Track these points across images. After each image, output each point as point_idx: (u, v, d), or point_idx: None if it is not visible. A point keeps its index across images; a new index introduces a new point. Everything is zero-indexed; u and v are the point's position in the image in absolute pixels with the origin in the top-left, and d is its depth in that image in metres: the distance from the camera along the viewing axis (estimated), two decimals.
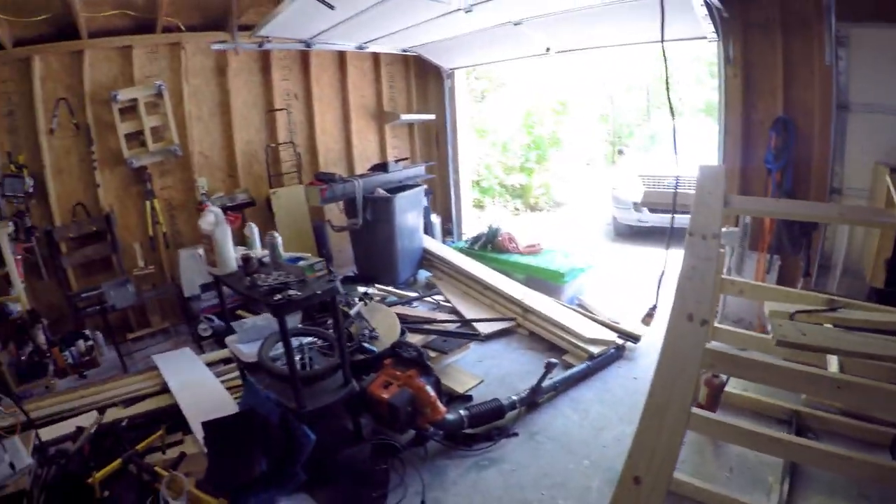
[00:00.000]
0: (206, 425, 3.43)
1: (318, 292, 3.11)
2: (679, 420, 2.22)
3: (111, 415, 4.33)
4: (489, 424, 3.81)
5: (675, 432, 2.20)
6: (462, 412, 3.70)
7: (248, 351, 3.66)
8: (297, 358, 3.54)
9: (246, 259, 3.42)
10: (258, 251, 3.74)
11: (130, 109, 5.67)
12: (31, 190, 5.35)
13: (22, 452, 3.28)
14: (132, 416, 4.23)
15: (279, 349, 3.58)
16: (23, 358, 5.04)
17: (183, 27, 5.77)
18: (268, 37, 5.71)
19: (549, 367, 4.19)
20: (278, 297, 2.99)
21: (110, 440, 3.95)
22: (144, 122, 5.69)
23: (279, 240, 3.50)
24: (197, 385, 4.45)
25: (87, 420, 4.31)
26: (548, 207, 11.78)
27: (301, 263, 3.32)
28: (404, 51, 7.32)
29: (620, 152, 10.31)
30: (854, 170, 4.42)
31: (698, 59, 15.09)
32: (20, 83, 5.33)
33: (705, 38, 4.94)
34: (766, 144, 4.87)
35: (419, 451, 3.62)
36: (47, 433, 4.05)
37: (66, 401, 4.63)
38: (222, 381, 4.51)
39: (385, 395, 3.51)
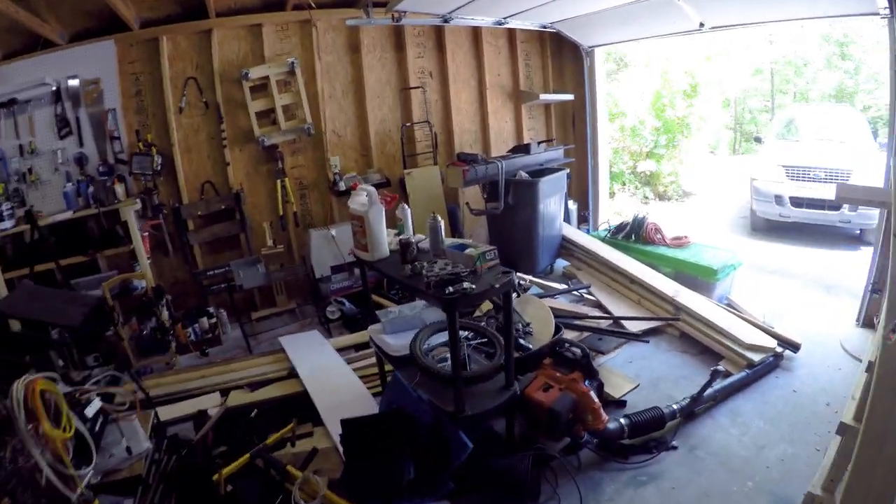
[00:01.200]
0: (346, 424, 3.14)
1: (496, 286, 2.71)
2: None
3: (235, 398, 4.17)
4: (647, 435, 3.42)
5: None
6: (622, 421, 3.34)
7: (396, 343, 3.34)
8: None
9: (406, 244, 3.05)
10: (412, 235, 3.36)
11: (261, 87, 5.52)
12: (159, 168, 5.32)
13: (140, 435, 3.08)
14: (259, 403, 4.05)
15: (432, 343, 3.26)
16: (144, 333, 4.99)
17: (314, 4, 5.51)
18: (404, 11, 5.38)
19: (715, 376, 3.75)
20: (450, 290, 2.60)
21: (237, 428, 3.80)
22: (276, 100, 5.52)
23: (442, 223, 3.12)
24: (328, 372, 4.22)
25: (210, 401, 4.18)
26: (676, 197, 11.05)
27: (469, 251, 2.90)
28: (543, 27, 6.84)
29: (758, 140, 9.46)
30: None
31: (828, 40, 13.82)
32: (148, 64, 5.30)
33: (877, 13, 4.33)
34: None
35: (572, 459, 3.27)
36: (167, 412, 3.94)
37: (188, 380, 4.52)
38: (355, 370, 4.26)
39: (546, 400, 3.16)
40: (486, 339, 3.37)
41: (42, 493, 2.48)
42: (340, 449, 3.30)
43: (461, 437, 2.94)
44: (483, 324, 3.74)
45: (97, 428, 2.81)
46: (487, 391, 3.04)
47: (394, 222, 3.54)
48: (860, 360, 4.09)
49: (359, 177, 5.83)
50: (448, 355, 3.16)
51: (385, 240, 3.30)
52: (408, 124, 6.27)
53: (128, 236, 5.12)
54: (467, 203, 6.33)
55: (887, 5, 4.13)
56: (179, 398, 4.27)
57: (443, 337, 3.32)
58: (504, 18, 6.19)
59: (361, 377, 4.15)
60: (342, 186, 5.73)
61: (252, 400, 4.09)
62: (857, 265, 6.03)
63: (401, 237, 3.21)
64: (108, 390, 3.00)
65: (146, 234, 5.31)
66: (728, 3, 5.20)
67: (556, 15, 6.19)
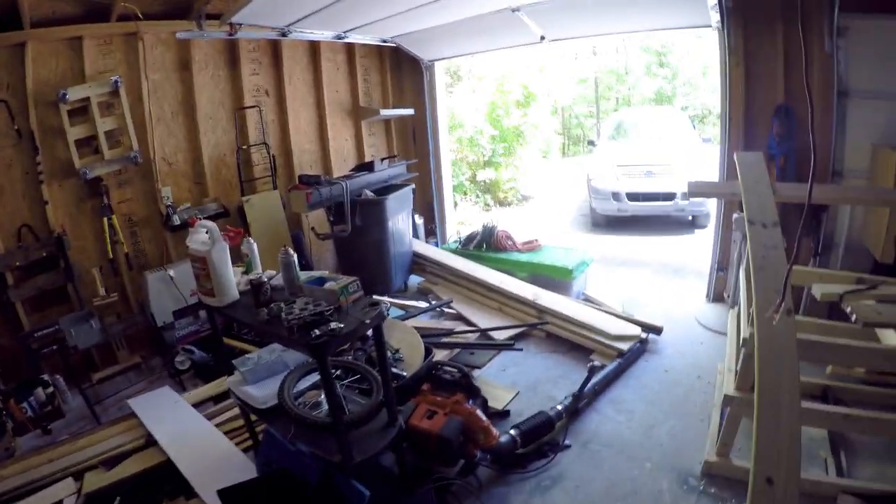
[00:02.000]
0: (224, 494, 2.81)
1: (366, 321, 2.47)
2: (793, 414, 2.12)
3: (91, 482, 3.58)
4: (539, 440, 3.44)
5: (793, 427, 2.09)
6: (512, 432, 3.33)
7: (260, 394, 2.99)
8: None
9: (258, 285, 2.72)
10: (263, 273, 3.02)
11: (82, 111, 4.85)
12: None
13: None
14: (119, 483, 3.50)
15: (300, 388, 2.96)
16: None
17: (141, 15, 4.95)
18: (240, 24, 5.02)
19: (593, 371, 3.95)
20: (317, 333, 2.34)
21: None
22: (98, 126, 4.87)
23: (295, 258, 2.82)
24: (189, 434, 3.77)
25: (64, 490, 3.55)
26: (516, 201, 11.56)
27: (330, 285, 2.65)
28: (383, 41, 6.78)
29: (591, 143, 10.13)
30: (854, 152, 4.48)
31: (648, 51, 15.23)
32: None
33: (710, 26, 5.02)
34: (767, 132, 4.93)
35: (472, 480, 3.20)
36: None
37: (34, 465, 3.81)
38: (218, 426, 3.84)
39: (433, 428, 3.06)
40: (358, 376, 3.12)
41: None
42: None
43: (356, 486, 2.70)
44: (350, 358, 3.54)
45: None
46: (372, 431, 2.81)
47: (239, 257, 3.22)
48: (718, 332, 4.62)
49: (193, 208, 5.35)
50: (322, 399, 2.90)
51: (233, 281, 2.94)
52: (244, 147, 5.85)
53: None
54: (313, 228, 6.08)
55: (719, 19, 4.76)
56: (31, 491, 3.57)
57: (312, 379, 3.05)
58: (344, 32, 6.04)
59: (226, 433, 3.76)
60: (177, 220, 5.19)
61: (111, 480, 3.54)
62: (695, 247, 6.60)
63: (250, 277, 2.88)
64: None
65: None
66: (570, 17, 5.43)
67: (396, 29, 6.15)
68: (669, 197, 7.74)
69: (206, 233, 2.89)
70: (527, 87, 11.60)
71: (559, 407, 3.58)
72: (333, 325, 2.38)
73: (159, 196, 5.31)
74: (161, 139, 5.37)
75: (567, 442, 3.46)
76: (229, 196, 5.76)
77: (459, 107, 11.39)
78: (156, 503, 3.29)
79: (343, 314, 2.53)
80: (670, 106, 13.65)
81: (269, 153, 5.97)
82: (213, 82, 5.69)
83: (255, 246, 3.12)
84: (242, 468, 3.37)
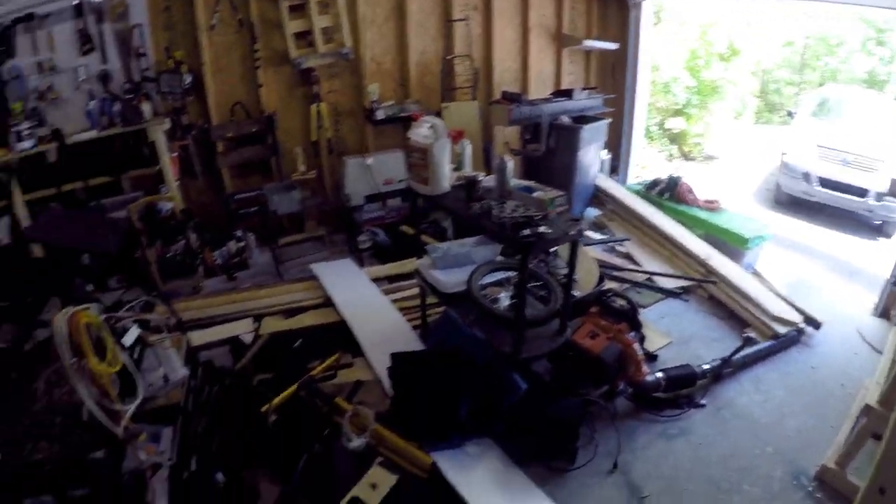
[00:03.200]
0: (397, 358, 3.22)
1: (570, 233, 2.74)
2: None
3: (269, 325, 4.20)
4: (678, 391, 3.57)
5: None
6: (659, 375, 3.47)
7: (447, 280, 3.37)
8: (510, 298, 3.24)
9: (472, 182, 3.06)
10: (470, 173, 3.36)
11: (300, 7, 5.34)
12: (188, 87, 5.21)
13: (175, 363, 3.14)
14: (296, 331, 4.09)
15: (484, 282, 3.31)
16: (170, 256, 4.98)
17: None
18: None
19: (746, 343, 3.92)
20: (527, 232, 2.64)
21: (279, 358, 3.86)
22: (315, 22, 5.35)
23: (510, 164, 3.12)
24: (365, 302, 4.26)
25: (242, 328, 4.22)
26: (700, 158, 11.01)
27: (538, 195, 2.93)
28: None
29: (790, 114, 9.43)
30: None
31: (867, 23, 13.51)
32: None
33: None
34: None
35: (609, 406, 3.40)
36: (198, 338, 3.98)
37: (219, 304, 4.52)
38: (392, 302, 4.30)
39: (594, 348, 3.26)
40: (539, 283, 3.42)
41: (83, 426, 2.55)
42: (386, 382, 3.39)
43: (515, 379, 3.02)
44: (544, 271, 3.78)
45: (136, 356, 2.86)
46: (542, 335, 3.11)
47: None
48: (875, 349, 4.32)
49: (396, 106, 5.78)
50: (499, 296, 3.24)
51: (448, 174, 3.29)
52: (448, 57, 6.14)
53: (154, 157, 5.07)
54: (507, 143, 6.29)
55: None
56: (210, 323, 4.28)
57: (496, 276, 3.38)
58: None
59: (399, 309, 4.19)
60: (380, 115, 5.67)
61: (289, 327, 4.12)
62: (877, 255, 6.15)
63: (466, 174, 3.23)
64: (144, 317, 3.02)
65: (175, 154, 5.23)
66: None
67: None
68: (862, 193, 7.13)
69: (430, 127, 3.22)
70: (732, 40, 10.93)
71: (705, 366, 3.66)
72: (542, 228, 2.62)
73: (365, 91, 5.78)
74: (372, 40, 5.79)
75: (702, 401, 3.55)
76: (429, 100, 6.11)
77: (657, 49, 10.91)
78: (328, 353, 3.79)
79: (549, 222, 2.76)
80: (884, 93, 12.19)
81: (472, 66, 6.21)
82: None
83: (469, 148, 3.46)
84: (408, 340, 3.80)
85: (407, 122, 5.59)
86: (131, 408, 2.57)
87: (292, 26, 5.32)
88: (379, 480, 2.81)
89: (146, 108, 5.00)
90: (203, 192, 5.68)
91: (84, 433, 2.54)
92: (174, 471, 2.81)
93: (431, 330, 3.87)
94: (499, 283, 3.37)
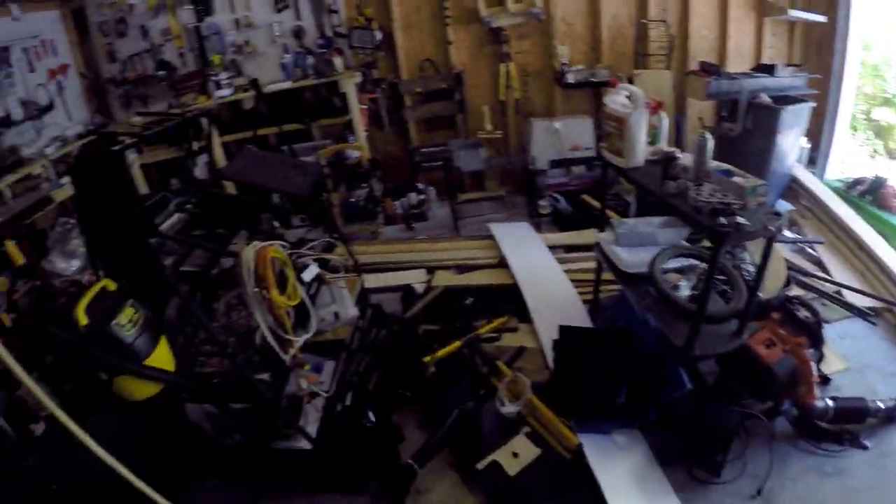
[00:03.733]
0: (565, 332, 3.18)
1: (769, 227, 2.54)
2: None
3: (442, 278, 4.36)
4: (844, 425, 3.16)
5: None
6: (829, 402, 3.08)
7: (628, 258, 3.27)
8: (691, 288, 3.11)
9: (670, 158, 2.91)
10: (667, 148, 3.20)
11: None
12: (378, 42, 5.48)
13: (347, 301, 3.29)
14: (468, 288, 4.20)
15: (667, 266, 3.21)
16: (352, 201, 5.40)
17: None
18: None
19: None
20: (723, 221, 2.50)
21: (449, 311, 4.00)
22: None
23: (711, 143, 2.95)
24: (539, 269, 4.27)
25: (415, 277, 4.43)
26: None
27: (738, 180, 2.74)
28: None
29: None
30: None
31: None
32: None
33: None
34: None
35: (769, 425, 3.12)
36: (371, 282, 4.20)
37: (395, 252, 4.78)
38: (566, 272, 4.25)
39: (768, 358, 2.97)
40: (723, 278, 3.20)
41: (254, 349, 2.81)
42: (548, 354, 3.40)
43: (682, 375, 2.91)
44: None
45: (312, 292, 3.06)
46: (717, 333, 2.91)
47: None
48: None
49: (586, 70, 5.61)
50: (679, 283, 3.12)
51: (643, 146, 3.15)
52: (642, 21, 5.80)
53: (344, 108, 5.48)
54: (700, 118, 5.87)
55: None
56: (384, 269, 4.56)
57: (679, 263, 3.26)
58: None
59: (572, 281, 4.15)
60: (570, 79, 5.54)
61: (461, 283, 4.26)
62: None
63: (663, 149, 3.11)
64: (324, 256, 3.28)
65: (364, 107, 5.58)
66: None
67: None
68: None
69: (628, 96, 3.09)
70: None
71: (881, 404, 3.18)
72: (740, 219, 2.43)
73: (555, 53, 5.67)
74: (564, 1, 5.63)
75: (867, 443, 3.11)
76: (621, 66, 5.84)
77: (870, 25, 9.50)
78: (496, 314, 3.90)
79: (748, 213, 2.54)
80: None
81: (667, 32, 5.84)
82: None
83: (666, 121, 3.32)
84: (577, 314, 3.76)
85: (596, 87, 5.50)
86: (301, 339, 2.79)
87: None
88: (522, 450, 2.88)
89: (338, 62, 5.42)
90: (389, 144, 6.02)
91: (254, 355, 2.83)
92: (329, 402, 3.07)
93: (603, 307, 3.80)
94: (680, 270, 3.23)
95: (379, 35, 5.49)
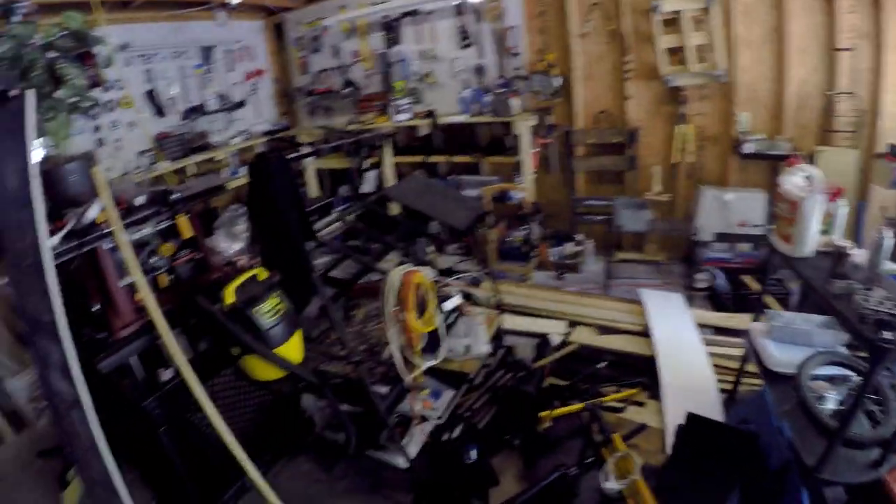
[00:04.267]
0: (693, 420, 3.00)
1: None
2: None
3: (581, 335, 4.27)
4: None
5: None
6: None
7: (778, 355, 3.03)
8: (837, 402, 2.78)
9: (841, 255, 2.69)
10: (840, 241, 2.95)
11: (672, 22, 5.21)
12: (557, 89, 5.59)
13: (482, 338, 3.31)
14: (604, 350, 4.11)
15: (817, 372, 2.93)
16: (507, 239, 5.56)
17: None
18: None
19: None
20: (887, 336, 2.24)
21: (577, 370, 3.91)
22: (687, 39, 5.20)
23: (890, 242, 2.67)
24: (681, 347, 4.05)
25: (554, 328, 4.37)
26: None
27: None
28: None
29: None
30: None
31: None
32: None
33: None
34: None
35: None
36: (509, 322, 4.22)
37: (540, 298, 4.75)
38: (710, 355, 4.00)
39: None
40: (875, 397, 2.89)
41: (380, 362, 2.99)
42: (669, 439, 3.24)
43: (803, 497, 2.60)
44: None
45: (449, 322, 3.14)
46: (855, 460, 2.56)
47: None
48: None
49: (766, 141, 5.28)
50: (827, 394, 2.81)
51: (814, 237, 2.94)
52: (829, 92, 5.32)
53: (515, 148, 5.61)
54: (883, 208, 5.25)
55: None
56: (525, 313, 4.56)
57: (830, 371, 2.95)
58: None
59: (713, 365, 3.92)
60: (749, 148, 5.23)
61: (599, 345, 4.16)
62: None
63: (836, 242, 2.87)
64: (469, 290, 3.36)
65: (534, 150, 5.70)
66: None
67: None
68: None
69: (806, 178, 2.91)
70: None
71: None
72: None
73: (734, 119, 5.41)
74: (746, 64, 5.35)
75: None
76: (803, 140, 5.42)
77: None
78: (625, 383, 3.77)
79: None
80: None
81: (856, 106, 5.31)
82: (804, 12, 5.22)
83: (844, 210, 3.06)
84: (710, 403, 3.53)
85: (775, 160, 5.16)
86: (426, 364, 2.89)
87: (664, 41, 5.26)
88: None
89: (515, 103, 5.57)
90: (554, 190, 6.07)
91: (378, 367, 3.00)
92: (437, 429, 3.14)
93: (738, 401, 3.56)
94: (830, 379, 2.93)
95: (558, 82, 5.61)
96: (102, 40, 3.14)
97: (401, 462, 3.01)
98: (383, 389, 2.90)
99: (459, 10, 5.87)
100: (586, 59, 5.64)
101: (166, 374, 2.82)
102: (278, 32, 7.41)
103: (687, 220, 5.49)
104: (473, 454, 3.05)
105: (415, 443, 3.08)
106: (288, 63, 7.51)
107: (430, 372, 3.11)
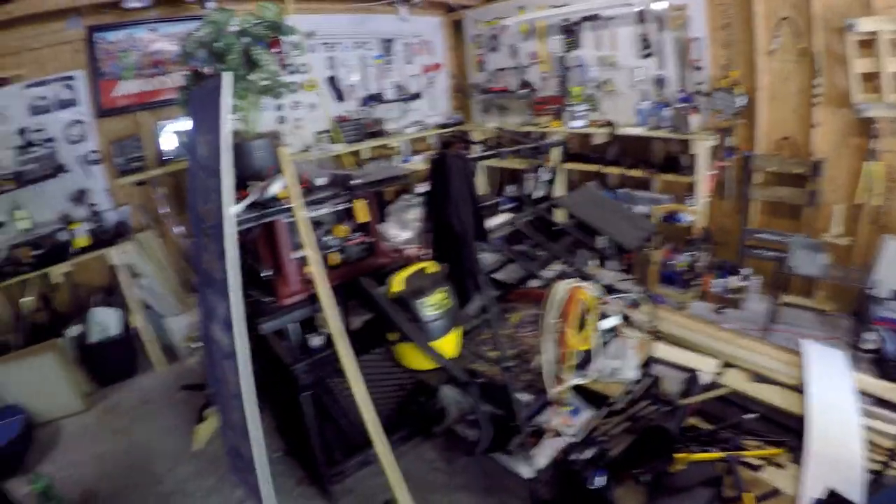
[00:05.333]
0: (831, 497, 2.82)
1: None
2: None
3: (732, 379, 4.07)
4: None
5: None
6: None
7: None
8: None
9: None
10: None
11: (869, 44, 4.71)
12: (740, 109, 5.31)
13: (631, 363, 3.28)
14: (754, 400, 3.89)
15: None
16: (670, 262, 5.39)
17: None
18: None
19: None
20: None
21: (725, 414, 3.74)
22: (884, 64, 4.68)
23: None
24: (835, 412, 3.72)
25: (705, 365, 4.19)
26: None
27: None
28: None
29: None
30: None
31: None
32: None
33: None
34: None
35: None
36: (659, 351, 4.11)
37: (695, 330, 4.57)
38: (865, 428, 3.62)
39: None
40: None
41: (528, 369, 3.05)
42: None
43: None
44: None
45: (603, 341, 3.14)
46: None
47: None
48: None
49: None
50: None
51: None
52: None
53: (690, 168, 5.44)
54: None
55: None
56: (679, 344, 4.42)
57: None
58: None
59: (868, 441, 3.55)
60: None
61: (751, 393, 3.96)
62: None
63: None
64: (628, 312, 3.29)
65: (711, 173, 5.51)
66: None
67: None
68: None
69: None
70: None
71: None
72: None
73: None
74: None
75: None
76: None
77: None
78: (769, 439, 3.53)
79: None
80: None
81: None
82: None
83: None
84: (853, 484, 3.23)
85: None
86: (574, 381, 2.94)
87: (858, 65, 4.78)
88: None
89: (694, 120, 5.40)
90: (725, 217, 5.82)
91: (523, 374, 3.06)
92: (569, 447, 3.15)
93: (884, 487, 3.25)
94: None
95: (742, 101, 5.33)
96: (295, 30, 3.38)
97: (525, 471, 3.08)
98: (526, 398, 2.96)
99: (642, 18, 5.75)
100: (773, 78, 5.30)
101: (315, 341, 3.11)
102: (456, 29, 7.68)
103: (864, 270, 5.01)
104: (599, 481, 3.04)
105: (544, 456, 3.13)
106: (465, 59, 7.79)
107: (574, 387, 3.14)
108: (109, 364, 5.12)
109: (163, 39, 5.83)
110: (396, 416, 3.51)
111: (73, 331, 5.04)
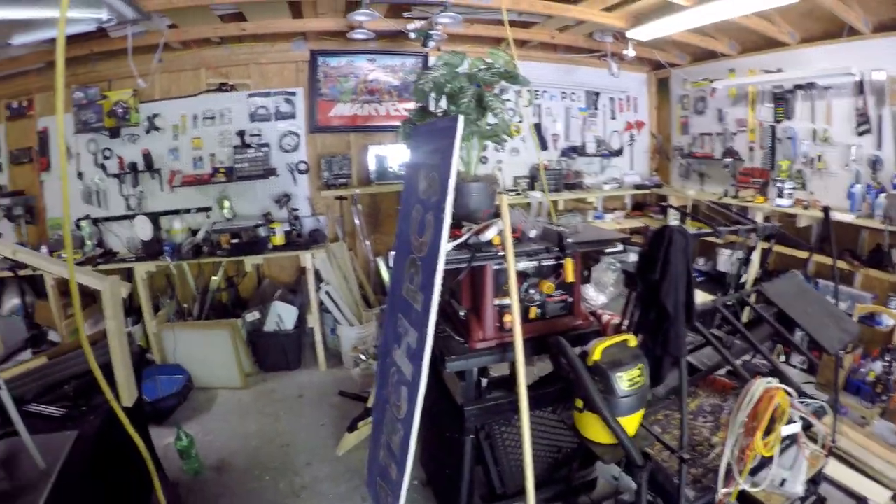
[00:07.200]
0: None
1: None
2: None
3: None
4: None
5: None
6: None
7: None
8: None
9: None
10: None
11: None
12: None
13: (801, 476, 2.93)
14: None
15: None
16: (861, 370, 4.87)
17: None
18: None
19: None
20: None
21: None
22: None
23: None
24: None
25: (877, 494, 3.72)
26: None
27: None
28: None
29: None
30: None
31: None
32: None
33: None
34: None
35: None
36: (835, 470, 3.74)
37: (872, 451, 4.10)
38: None
39: None
40: None
41: (701, 462, 2.85)
42: None
43: None
44: None
45: (784, 450, 2.91)
46: None
47: None
48: None
49: None
50: None
51: None
52: None
53: None
54: None
55: None
56: (850, 463, 3.99)
57: None
58: None
59: None
60: None
61: None
62: None
63: None
64: (812, 420, 3.04)
65: None
66: None
67: None
68: None
69: None
70: None
71: None
72: None
73: None
74: None
75: None
76: None
77: None
78: None
79: None
80: None
81: None
82: None
83: None
84: None
85: None
86: (743, 486, 2.66)
87: None
88: None
89: None
90: None
91: (697, 467, 2.87)
92: None
93: None
94: None
95: None
96: (527, 81, 3.43)
97: None
98: (690, 493, 2.83)
99: (861, 89, 5.18)
100: None
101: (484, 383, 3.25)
102: (661, 87, 7.58)
103: None
104: None
105: None
106: (668, 120, 7.65)
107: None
108: (276, 353, 5.57)
109: (379, 70, 6.43)
110: (546, 476, 3.49)
111: (251, 316, 5.59)
